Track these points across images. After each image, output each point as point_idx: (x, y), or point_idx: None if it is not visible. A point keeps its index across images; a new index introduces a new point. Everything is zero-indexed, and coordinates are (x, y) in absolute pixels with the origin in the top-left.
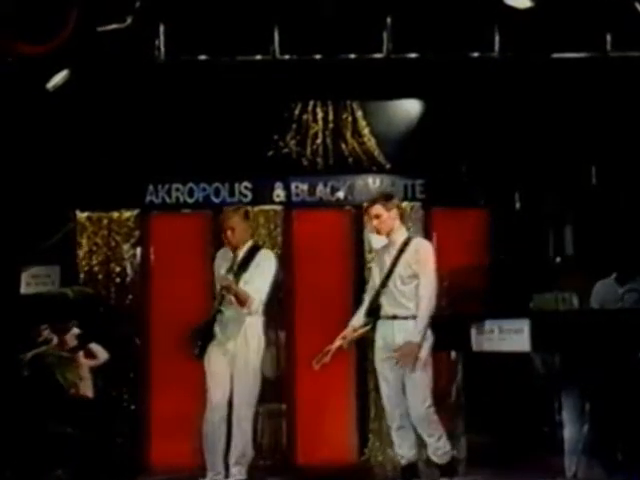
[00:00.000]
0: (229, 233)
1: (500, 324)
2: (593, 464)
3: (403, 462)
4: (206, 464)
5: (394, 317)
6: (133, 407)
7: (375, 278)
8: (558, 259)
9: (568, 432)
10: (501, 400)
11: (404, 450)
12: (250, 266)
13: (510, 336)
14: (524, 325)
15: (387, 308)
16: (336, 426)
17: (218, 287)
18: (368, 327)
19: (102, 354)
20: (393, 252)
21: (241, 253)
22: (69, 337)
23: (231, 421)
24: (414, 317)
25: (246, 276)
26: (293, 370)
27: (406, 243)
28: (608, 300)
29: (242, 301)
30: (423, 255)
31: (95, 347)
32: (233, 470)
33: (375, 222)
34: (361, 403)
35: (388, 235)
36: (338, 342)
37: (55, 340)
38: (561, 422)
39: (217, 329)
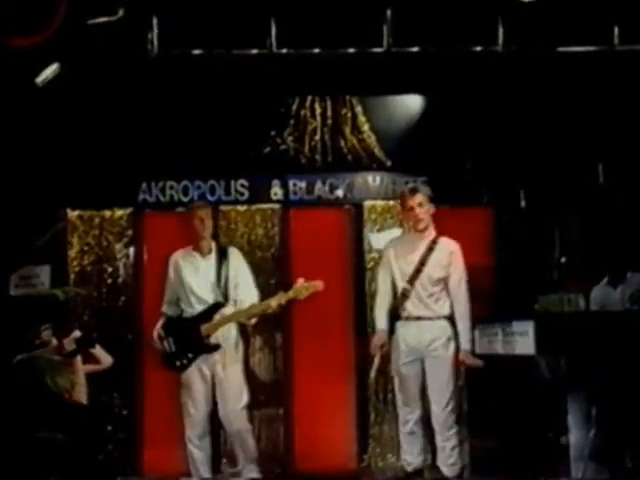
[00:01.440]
0: (197, 223)
1: (504, 326)
2: (600, 470)
3: (409, 469)
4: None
5: (418, 318)
6: (125, 412)
7: (396, 276)
8: (564, 259)
9: (574, 437)
10: (505, 404)
11: (412, 456)
12: (229, 271)
13: (514, 338)
14: (529, 327)
15: (411, 309)
16: (335, 431)
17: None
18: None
19: (106, 359)
20: (422, 249)
21: (212, 256)
22: (68, 341)
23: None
24: (438, 318)
25: (231, 283)
26: (291, 374)
27: (434, 242)
28: (608, 304)
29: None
30: (456, 256)
31: (99, 352)
32: (244, 472)
33: (418, 211)
34: (361, 408)
35: (423, 230)
36: (377, 353)
37: (54, 343)
38: (567, 427)
39: None
